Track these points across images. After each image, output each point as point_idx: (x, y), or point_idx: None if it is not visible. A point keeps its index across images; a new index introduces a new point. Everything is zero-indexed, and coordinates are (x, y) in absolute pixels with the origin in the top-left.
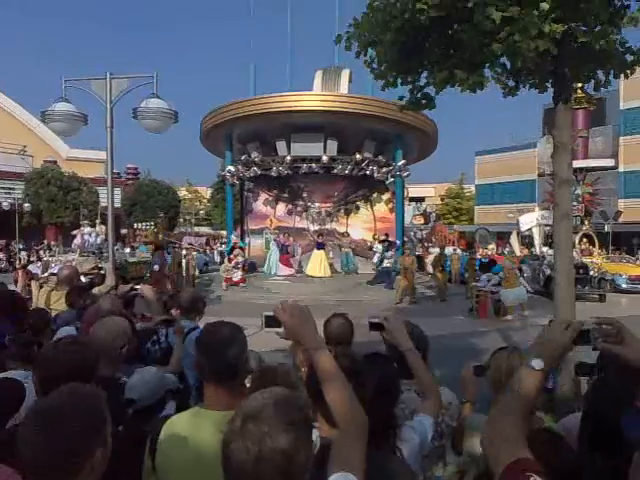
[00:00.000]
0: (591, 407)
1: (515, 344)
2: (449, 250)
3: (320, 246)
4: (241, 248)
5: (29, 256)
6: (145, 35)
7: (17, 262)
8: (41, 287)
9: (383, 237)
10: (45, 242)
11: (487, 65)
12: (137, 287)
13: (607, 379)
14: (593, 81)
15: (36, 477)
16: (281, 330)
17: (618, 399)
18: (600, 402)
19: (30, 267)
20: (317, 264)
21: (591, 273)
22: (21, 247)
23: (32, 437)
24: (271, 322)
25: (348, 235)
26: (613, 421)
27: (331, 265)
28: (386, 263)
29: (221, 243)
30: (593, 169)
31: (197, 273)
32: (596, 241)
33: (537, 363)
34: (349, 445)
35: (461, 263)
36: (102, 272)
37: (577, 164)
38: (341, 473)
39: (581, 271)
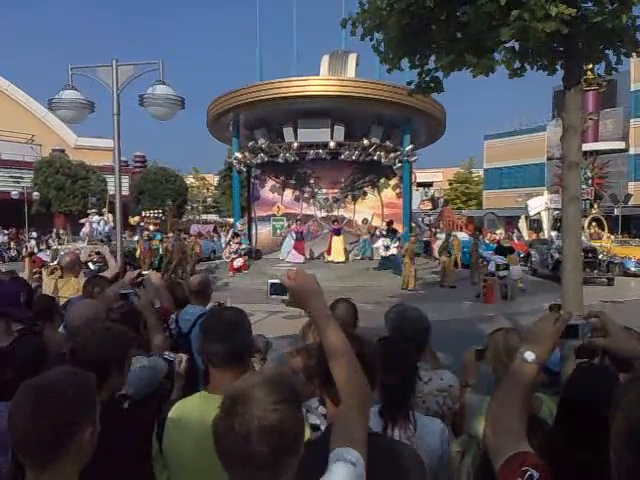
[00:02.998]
0: (573, 395)
1: (522, 328)
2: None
3: (338, 231)
4: (237, 235)
5: (38, 244)
6: (150, 21)
7: (24, 250)
8: (51, 274)
9: (386, 223)
10: (54, 230)
11: (496, 48)
12: (144, 273)
13: (594, 366)
14: (604, 62)
15: (24, 451)
16: (286, 297)
17: (607, 390)
18: (583, 391)
19: (41, 255)
20: (337, 249)
21: (600, 257)
22: (33, 236)
23: (22, 410)
24: (276, 289)
25: (367, 222)
26: (598, 414)
27: (345, 250)
28: (384, 250)
29: (227, 231)
30: (603, 152)
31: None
32: (605, 225)
33: (529, 355)
34: (352, 420)
35: (465, 247)
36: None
37: (587, 147)
38: (343, 448)
39: (590, 255)
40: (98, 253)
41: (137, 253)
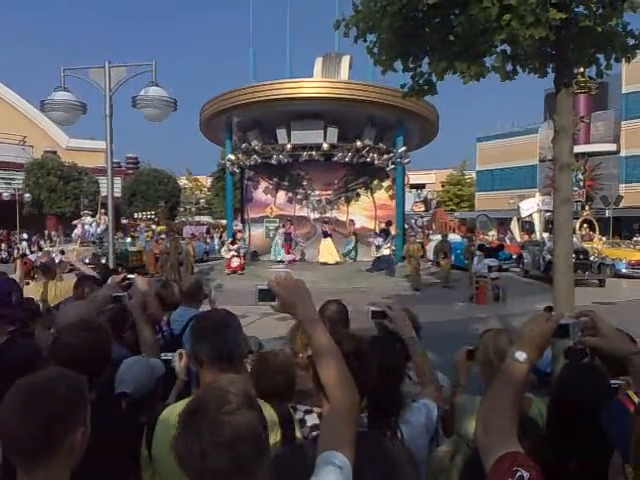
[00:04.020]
0: (563, 395)
1: (513, 329)
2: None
3: (326, 234)
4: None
5: (30, 246)
6: (144, 24)
7: (15, 252)
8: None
9: (383, 226)
10: (46, 232)
11: (488, 52)
12: (131, 276)
13: (581, 365)
14: (595, 66)
15: (14, 452)
16: (275, 303)
17: (595, 388)
18: (573, 390)
19: (32, 256)
20: (328, 251)
21: (591, 258)
22: (24, 237)
23: (13, 410)
24: (265, 295)
25: (353, 223)
26: (588, 413)
27: (336, 252)
28: (383, 250)
29: (221, 233)
30: (595, 154)
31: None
32: (596, 226)
33: (520, 355)
34: (339, 423)
35: (455, 249)
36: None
37: (578, 149)
38: (330, 452)
39: (581, 256)
40: (62, 252)
41: (144, 257)
